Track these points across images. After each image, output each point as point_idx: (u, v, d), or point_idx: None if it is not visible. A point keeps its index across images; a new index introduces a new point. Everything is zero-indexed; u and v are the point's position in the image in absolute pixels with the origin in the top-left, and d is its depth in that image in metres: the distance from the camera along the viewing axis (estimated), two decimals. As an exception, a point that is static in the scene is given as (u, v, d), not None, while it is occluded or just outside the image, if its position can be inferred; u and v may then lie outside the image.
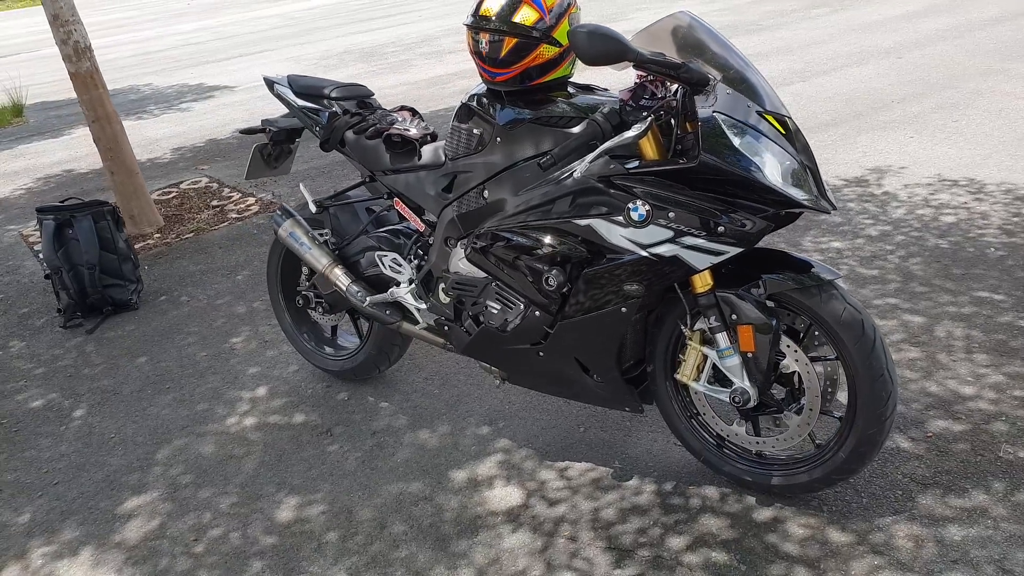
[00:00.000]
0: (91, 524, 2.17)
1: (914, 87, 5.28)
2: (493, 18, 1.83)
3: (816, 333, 1.76)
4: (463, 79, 7.25)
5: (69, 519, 2.20)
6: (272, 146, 2.51)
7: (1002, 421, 2.11)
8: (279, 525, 2.07)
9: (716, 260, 1.65)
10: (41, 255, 3.89)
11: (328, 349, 2.70)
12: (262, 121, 2.51)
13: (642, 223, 1.67)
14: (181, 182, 5.13)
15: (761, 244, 1.70)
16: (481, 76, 1.93)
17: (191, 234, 4.22)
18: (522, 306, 1.94)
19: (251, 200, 4.62)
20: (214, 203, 4.65)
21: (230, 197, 4.73)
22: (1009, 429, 2.07)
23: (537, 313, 1.93)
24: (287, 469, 2.29)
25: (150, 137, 6.42)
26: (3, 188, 5.50)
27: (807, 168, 1.64)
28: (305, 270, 2.58)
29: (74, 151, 6.32)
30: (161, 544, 2.06)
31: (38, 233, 4.41)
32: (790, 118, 1.67)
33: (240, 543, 2.03)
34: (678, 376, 1.89)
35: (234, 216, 4.41)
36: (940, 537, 1.77)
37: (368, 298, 2.30)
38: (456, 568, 1.86)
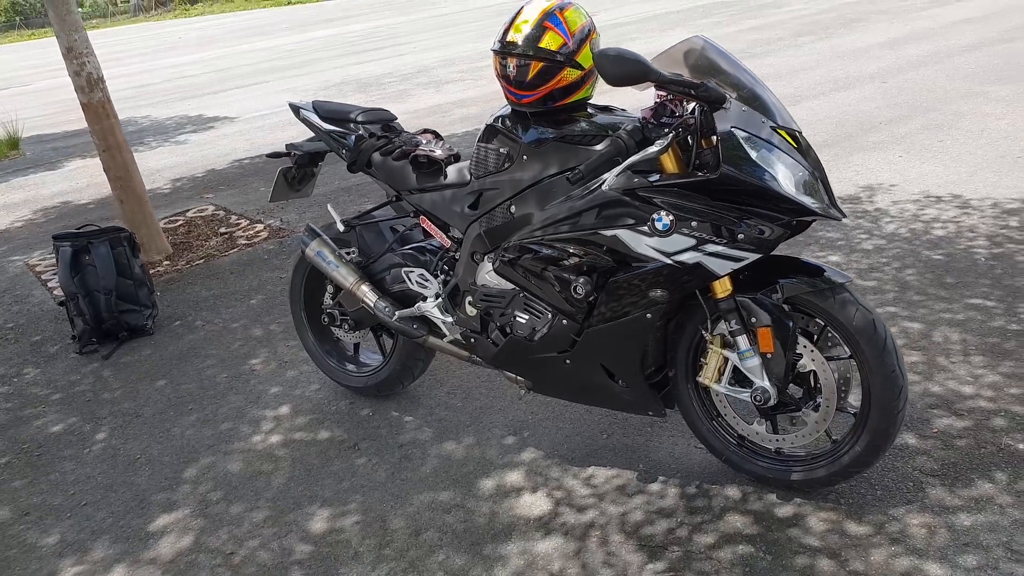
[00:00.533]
0: (123, 542, 2.20)
1: (900, 110, 5.48)
2: (520, 44, 1.94)
3: (830, 334, 1.87)
4: (462, 107, 7.40)
5: (100, 538, 2.23)
6: (296, 169, 2.60)
7: (1001, 417, 2.22)
8: (314, 536, 2.12)
9: (736, 266, 1.76)
10: (55, 282, 3.93)
11: (351, 366, 2.76)
12: (286, 145, 2.61)
13: (666, 232, 1.78)
14: (187, 210, 5.20)
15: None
16: (507, 98, 2.04)
17: (201, 260, 4.28)
18: (550, 315, 2.03)
19: (260, 227, 4.70)
20: (222, 230, 4.72)
21: (238, 224, 4.80)
22: (1008, 424, 2.18)
23: (564, 321, 2.02)
24: (317, 483, 2.34)
25: (151, 167, 6.49)
26: (3, 220, 5.54)
27: (818, 178, 1.76)
28: (330, 288, 2.65)
29: (73, 183, 6.38)
30: (198, 558, 2.10)
31: (44, 263, 4.47)
32: (800, 133, 1.79)
33: (278, 553, 2.08)
34: (700, 379, 1.98)
35: (243, 243, 4.47)
36: (951, 524, 1.87)
37: (396, 313, 2.38)
38: (493, 570, 1.92)
